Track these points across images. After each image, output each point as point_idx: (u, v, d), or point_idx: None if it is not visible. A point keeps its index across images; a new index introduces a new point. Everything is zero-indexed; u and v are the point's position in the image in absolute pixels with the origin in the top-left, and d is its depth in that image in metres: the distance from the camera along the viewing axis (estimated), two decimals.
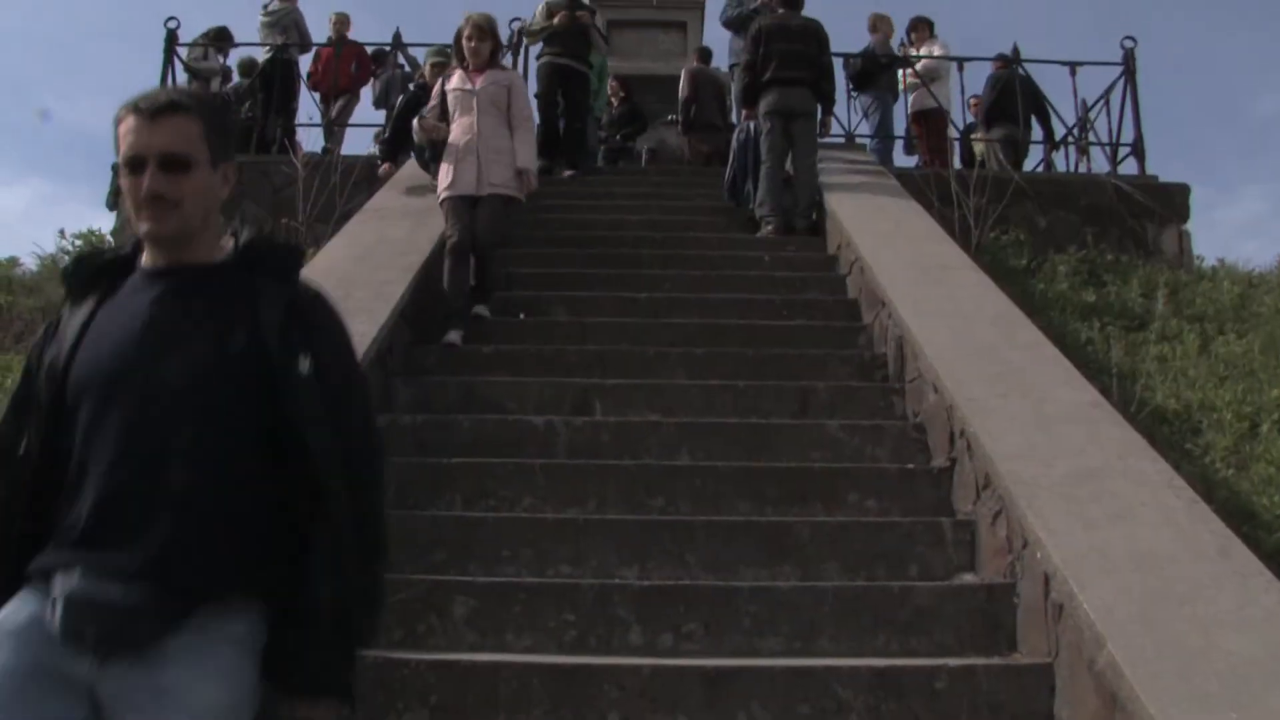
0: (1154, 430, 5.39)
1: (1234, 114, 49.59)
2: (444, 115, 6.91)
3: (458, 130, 6.76)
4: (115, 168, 9.15)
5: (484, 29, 6.91)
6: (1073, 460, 4.13)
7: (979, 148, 11.99)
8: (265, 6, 12.02)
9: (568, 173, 10.27)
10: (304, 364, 2.14)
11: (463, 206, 6.58)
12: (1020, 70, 11.43)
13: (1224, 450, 5.42)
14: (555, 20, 10.29)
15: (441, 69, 7.97)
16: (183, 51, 11.02)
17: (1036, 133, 11.67)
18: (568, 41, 10.40)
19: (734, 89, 10.88)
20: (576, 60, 10.49)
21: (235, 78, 12.34)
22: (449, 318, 6.39)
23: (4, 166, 50.58)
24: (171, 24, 10.70)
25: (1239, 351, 6.82)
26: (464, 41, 6.90)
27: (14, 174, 53.17)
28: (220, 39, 12.14)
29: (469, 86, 6.81)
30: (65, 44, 52.00)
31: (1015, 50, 11.54)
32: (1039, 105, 11.58)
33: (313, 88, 12.10)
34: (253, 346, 2.13)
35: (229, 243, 2.29)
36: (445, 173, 6.71)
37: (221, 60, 12.24)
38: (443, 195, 6.68)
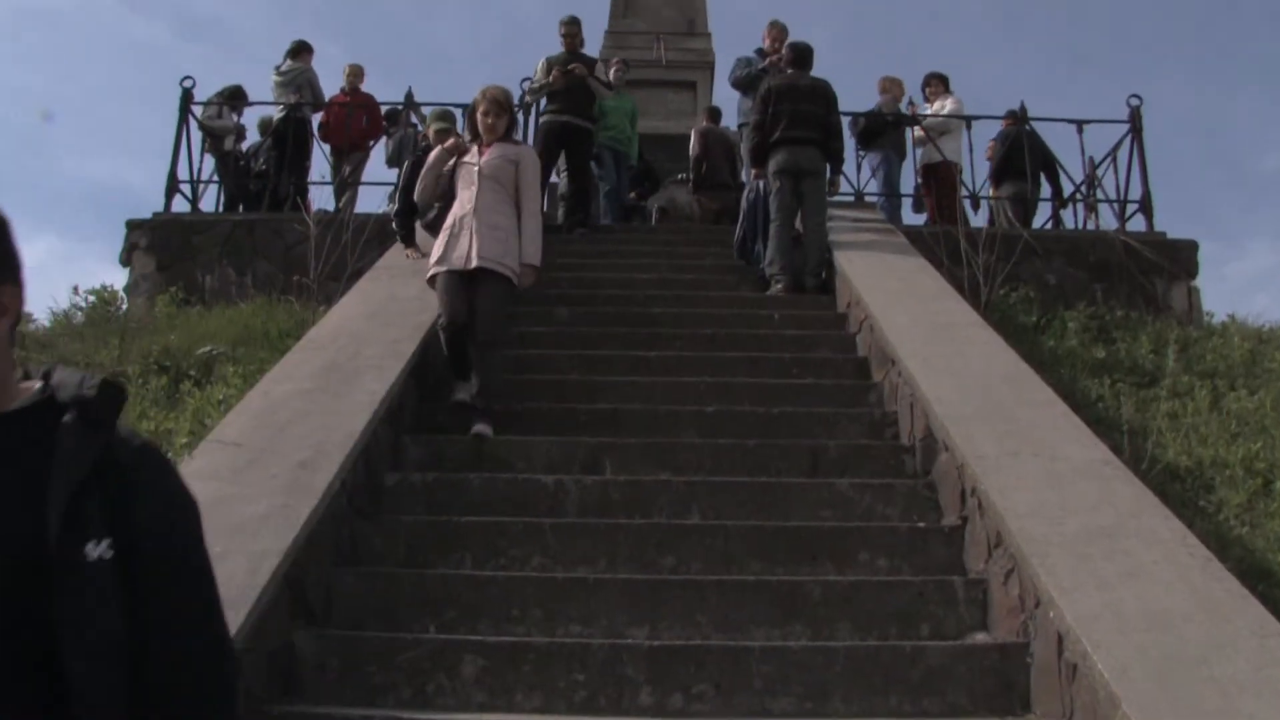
0: (1166, 487, 5.37)
1: (1239, 171, 49.88)
2: (451, 189, 6.52)
3: (455, 205, 6.36)
4: (129, 224, 9.11)
5: (502, 104, 6.50)
6: (1085, 518, 4.12)
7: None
8: (278, 67, 12.16)
9: (579, 231, 10.31)
10: (95, 550, 1.49)
11: (455, 283, 6.11)
12: (1028, 128, 11.50)
13: (1237, 507, 5.39)
14: (551, 78, 10.37)
15: (445, 134, 7.58)
16: (198, 110, 11.13)
17: (1045, 190, 11.74)
18: (568, 98, 10.44)
19: (743, 148, 10.97)
20: (578, 117, 10.52)
21: (249, 136, 12.49)
22: (456, 382, 6.21)
23: (18, 222, 50.88)
24: (187, 83, 10.82)
25: (1250, 408, 6.80)
26: (479, 117, 6.47)
27: (28, 230, 53.42)
28: (235, 98, 12.26)
29: (473, 160, 6.42)
30: (82, 104, 52.73)
31: (1023, 108, 11.63)
32: (1047, 162, 11.65)
33: (324, 139, 12.20)
34: (38, 526, 1.47)
35: (34, 385, 1.62)
36: (437, 248, 6.31)
37: (236, 119, 12.36)
38: (431, 271, 6.29)
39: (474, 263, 6.05)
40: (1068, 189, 11.74)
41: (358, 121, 12.18)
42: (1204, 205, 45.10)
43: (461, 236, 6.16)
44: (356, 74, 12.50)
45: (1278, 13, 48.90)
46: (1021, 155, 11.24)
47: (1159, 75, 51.18)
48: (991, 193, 11.84)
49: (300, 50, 12.21)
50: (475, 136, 6.56)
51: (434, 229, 6.71)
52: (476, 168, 6.33)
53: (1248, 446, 6.00)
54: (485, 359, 6.02)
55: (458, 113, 9.05)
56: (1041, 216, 11.75)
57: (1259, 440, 6.15)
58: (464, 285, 6.08)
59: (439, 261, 6.20)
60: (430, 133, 8.28)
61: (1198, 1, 53.06)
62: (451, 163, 6.55)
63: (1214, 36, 51.88)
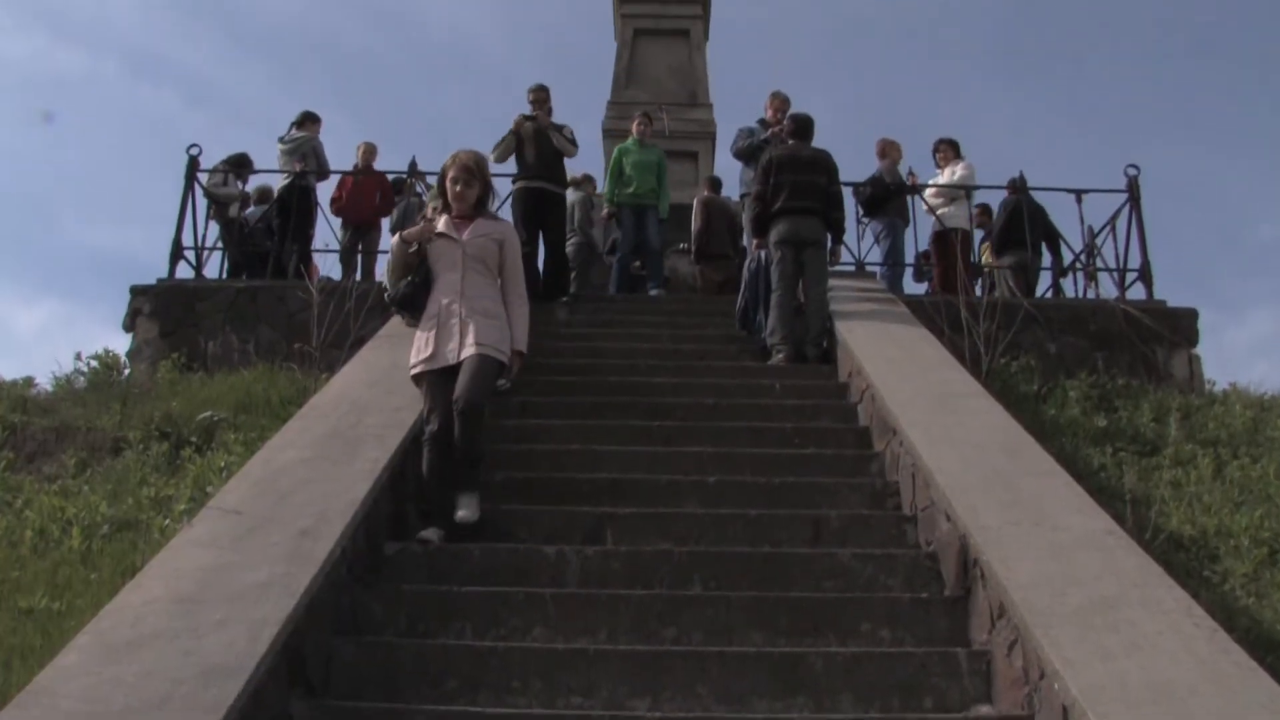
0: (1170, 557, 5.35)
1: (1236, 239, 50.16)
2: (425, 267, 5.95)
3: (439, 289, 5.83)
4: (133, 290, 8.96)
5: (472, 170, 5.94)
6: (1088, 589, 4.10)
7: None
8: (281, 137, 12.32)
9: (563, 299, 10.35)
10: None
11: (444, 385, 5.61)
12: (1029, 197, 11.58)
13: (1243, 577, 5.36)
14: (512, 128, 10.56)
15: None
16: (203, 178, 11.25)
17: (1045, 259, 11.80)
18: (539, 164, 10.57)
19: (745, 218, 11.03)
20: (550, 182, 10.65)
21: (251, 203, 12.61)
22: (427, 516, 5.55)
23: (21, 286, 51.44)
24: (194, 150, 10.96)
25: (1254, 476, 6.79)
26: (448, 184, 5.94)
27: (31, 294, 54.08)
28: (240, 165, 12.42)
29: (454, 236, 5.89)
30: (87, 170, 53.24)
31: (1021, 178, 11.73)
32: (1049, 232, 11.72)
33: (336, 213, 12.37)
34: None
35: None
36: (422, 341, 5.77)
37: (241, 186, 12.51)
38: (417, 368, 5.75)
39: (466, 352, 5.63)
40: (1068, 258, 11.83)
41: (370, 198, 12.34)
42: (1202, 273, 45.32)
43: (450, 326, 5.71)
44: (370, 152, 12.76)
45: (1268, 82, 49.51)
46: (1022, 224, 11.32)
47: (1153, 143, 51.67)
48: (990, 260, 11.90)
49: (306, 120, 12.38)
50: (446, 206, 6.02)
51: (407, 306, 6.05)
52: (460, 248, 5.85)
53: (1252, 515, 5.99)
54: (468, 426, 5.51)
55: None
56: (1042, 285, 11.83)
57: (1263, 509, 6.13)
58: (450, 383, 5.62)
59: (429, 358, 5.70)
60: (429, 211, 7.61)
61: (1189, 72, 53.75)
62: (414, 248, 5.97)
63: (1206, 106, 52.48)
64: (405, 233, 6.08)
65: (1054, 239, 11.79)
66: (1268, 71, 49.61)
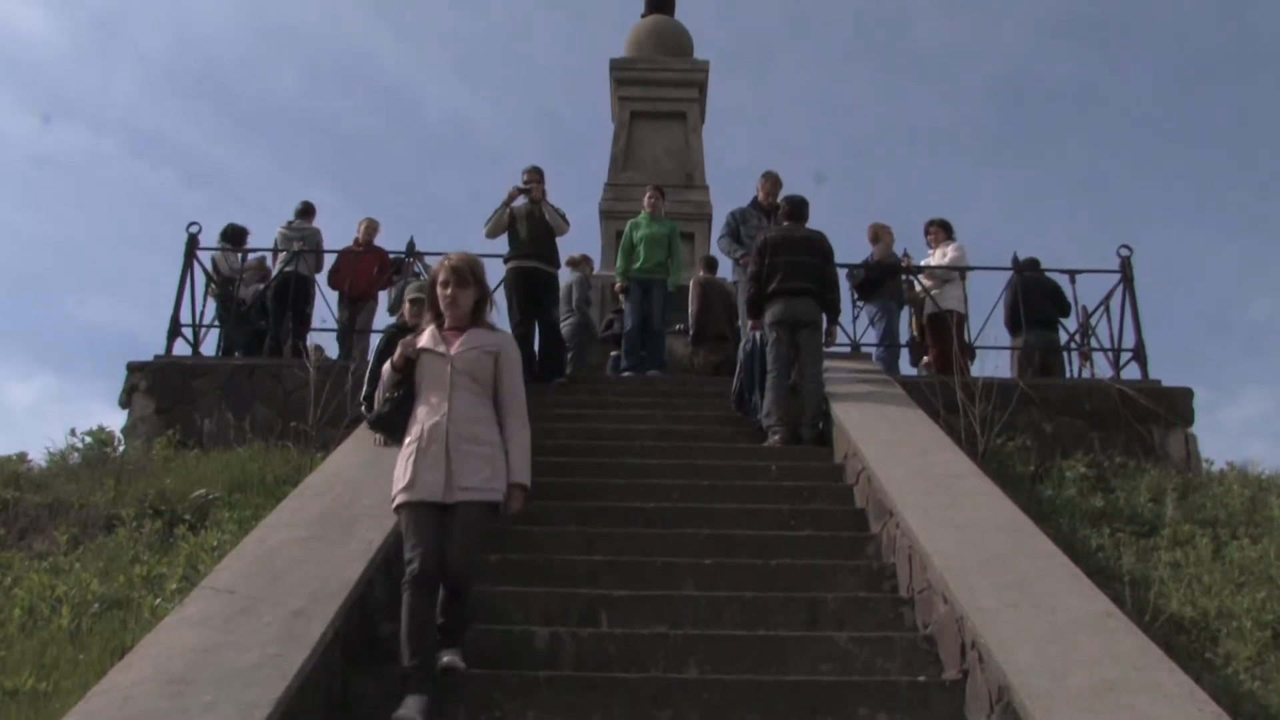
0: (1171, 639, 5.30)
1: (1227, 319, 50.36)
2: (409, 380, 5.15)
3: (422, 410, 5.01)
4: (130, 367, 8.88)
5: (464, 273, 5.12)
6: (1089, 672, 4.06)
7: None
8: (290, 223, 12.51)
9: (557, 381, 10.37)
10: None
11: (428, 518, 4.80)
12: (1022, 278, 11.64)
13: (1246, 660, 5.30)
14: (506, 198, 10.70)
15: (422, 307, 6.22)
16: (203, 256, 11.35)
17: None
18: (532, 243, 10.69)
19: (739, 300, 11.08)
20: (543, 262, 10.75)
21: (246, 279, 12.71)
22: (407, 679, 4.57)
23: (16, 361, 51.35)
24: (193, 228, 11.09)
25: (1254, 557, 6.75)
26: (439, 289, 5.14)
27: (26, 368, 53.98)
28: (236, 239, 12.52)
29: (441, 350, 5.06)
30: (84, 246, 53.51)
31: (1015, 260, 11.80)
32: (1058, 308, 11.77)
33: (334, 286, 12.45)
34: None
35: None
36: (402, 468, 4.94)
37: (240, 260, 12.60)
38: (399, 499, 4.91)
39: (455, 495, 4.82)
40: (1063, 338, 11.87)
41: (368, 270, 12.45)
42: (1196, 353, 45.42)
43: (433, 454, 4.88)
44: (372, 229, 12.91)
45: (1256, 163, 50.16)
46: (1030, 305, 11.38)
47: (1144, 225, 52.12)
48: (1011, 344, 11.93)
49: (308, 210, 12.73)
50: (438, 315, 5.19)
51: (388, 428, 5.33)
52: (447, 363, 5.03)
53: (1254, 597, 5.94)
54: (459, 600, 4.87)
55: None
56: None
57: (1264, 590, 6.08)
58: (439, 519, 4.83)
59: (408, 487, 4.88)
60: (405, 307, 7.13)
61: (1179, 154, 54.43)
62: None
63: (1195, 187, 53.06)
64: (395, 360, 5.17)
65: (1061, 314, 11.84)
66: (1255, 152, 50.29)
